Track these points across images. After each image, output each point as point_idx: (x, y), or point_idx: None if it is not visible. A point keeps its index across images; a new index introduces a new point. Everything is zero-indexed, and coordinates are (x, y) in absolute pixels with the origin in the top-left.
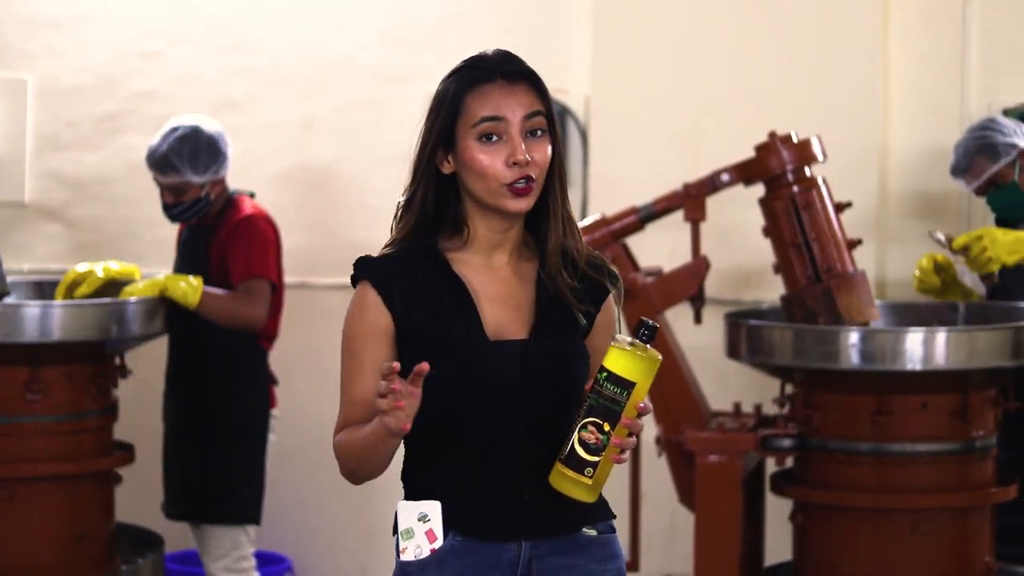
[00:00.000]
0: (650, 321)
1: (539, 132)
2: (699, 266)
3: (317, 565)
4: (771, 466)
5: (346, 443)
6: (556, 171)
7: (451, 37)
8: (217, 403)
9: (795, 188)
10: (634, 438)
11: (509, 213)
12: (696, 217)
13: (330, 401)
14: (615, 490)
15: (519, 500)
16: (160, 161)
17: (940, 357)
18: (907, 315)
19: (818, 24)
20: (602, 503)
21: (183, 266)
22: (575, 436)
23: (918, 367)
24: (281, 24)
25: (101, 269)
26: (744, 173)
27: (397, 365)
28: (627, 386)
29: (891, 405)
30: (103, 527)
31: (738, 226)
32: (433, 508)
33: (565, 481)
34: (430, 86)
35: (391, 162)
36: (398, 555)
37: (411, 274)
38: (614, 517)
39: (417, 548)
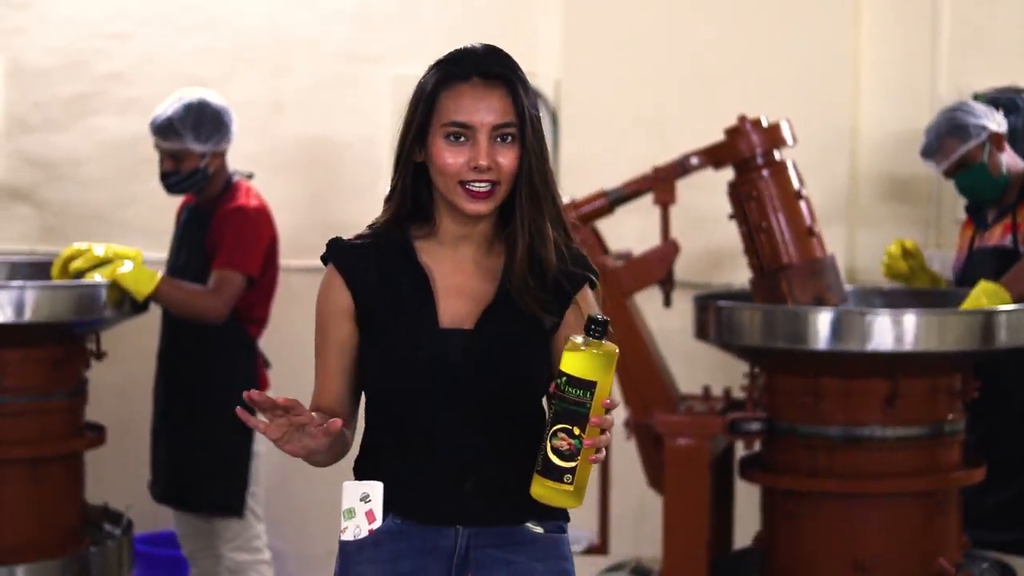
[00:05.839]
0: (600, 316)
1: (509, 138)
2: (669, 249)
3: (286, 548)
4: (741, 449)
5: None
6: (525, 181)
7: (420, 18)
8: (200, 390)
9: (764, 172)
10: (607, 434)
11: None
12: (666, 200)
13: (297, 380)
14: None
15: (459, 489)
16: (163, 125)
17: (910, 340)
18: (878, 299)
19: (789, 6)
20: None
21: (181, 249)
22: (547, 446)
23: (888, 349)
24: (248, 3)
25: (103, 249)
26: (713, 156)
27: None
28: (588, 386)
29: (859, 388)
30: (72, 508)
31: (708, 209)
32: (375, 489)
33: (547, 492)
34: (398, 67)
35: (360, 143)
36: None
37: (376, 259)
38: (566, 519)
39: (356, 528)
